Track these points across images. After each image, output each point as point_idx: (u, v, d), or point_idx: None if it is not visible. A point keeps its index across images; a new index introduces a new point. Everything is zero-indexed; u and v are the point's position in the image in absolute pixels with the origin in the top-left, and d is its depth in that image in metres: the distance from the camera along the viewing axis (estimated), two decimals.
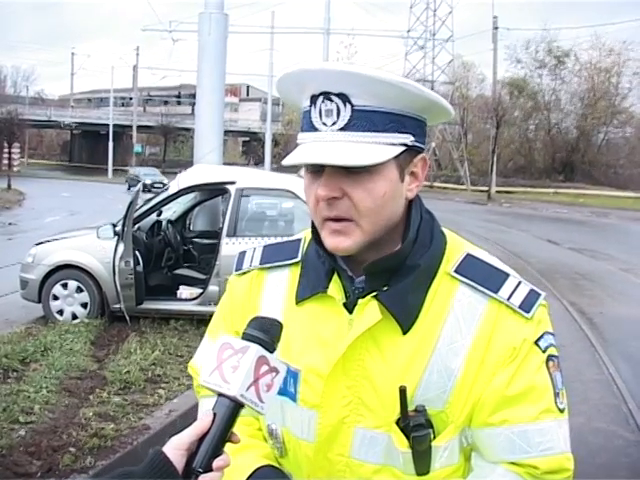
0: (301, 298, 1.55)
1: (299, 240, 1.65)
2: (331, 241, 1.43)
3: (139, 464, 1.22)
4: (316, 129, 1.40)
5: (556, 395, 1.46)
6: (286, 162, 1.41)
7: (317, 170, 1.41)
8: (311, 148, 1.40)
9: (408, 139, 1.41)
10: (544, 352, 1.46)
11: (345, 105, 1.36)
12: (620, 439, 6.23)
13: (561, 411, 1.46)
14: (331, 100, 1.37)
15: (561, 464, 1.44)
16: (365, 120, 1.37)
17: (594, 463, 5.56)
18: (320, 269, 1.53)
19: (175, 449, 1.23)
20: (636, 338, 9.83)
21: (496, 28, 54.33)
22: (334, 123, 1.38)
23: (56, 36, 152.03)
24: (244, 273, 1.68)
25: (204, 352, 1.71)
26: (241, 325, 1.59)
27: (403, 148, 1.40)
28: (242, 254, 1.71)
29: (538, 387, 1.44)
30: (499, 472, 1.44)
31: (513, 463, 1.44)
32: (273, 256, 1.65)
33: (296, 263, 1.61)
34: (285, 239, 1.70)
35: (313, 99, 1.40)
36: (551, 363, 1.47)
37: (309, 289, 1.54)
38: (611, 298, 12.76)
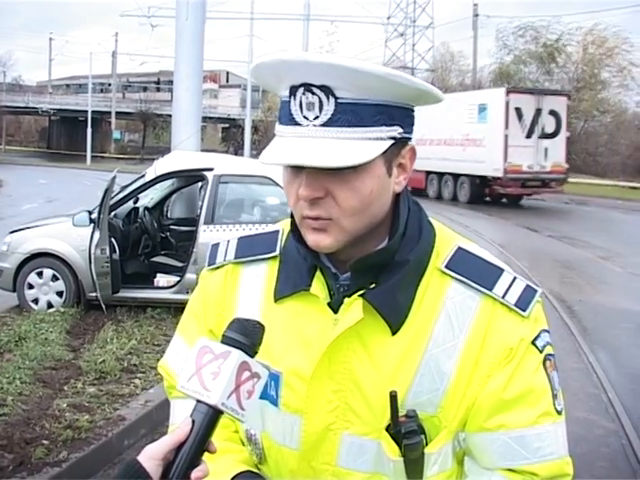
0: (281, 295, 1.45)
1: (277, 232, 1.54)
2: (312, 238, 1.33)
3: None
4: (297, 123, 1.29)
5: (554, 397, 1.39)
6: (265, 160, 1.30)
7: (298, 166, 1.30)
8: (291, 145, 1.29)
9: (396, 131, 1.32)
10: (541, 352, 1.39)
11: (328, 98, 1.27)
12: (600, 428, 6.22)
13: (559, 413, 1.40)
14: (313, 92, 1.27)
15: (561, 469, 1.38)
16: (350, 114, 1.27)
17: (575, 453, 5.39)
18: (301, 265, 1.43)
19: (151, 459, 1.16)
20: (615, 326, 9.86)
21: (476, 15, 54.36)
22: (316, 117, 1.28)
23: (35, 23, 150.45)
24: (217, 267, 1.57)
25: (175, 351, 1.61)
26: (214, 323, 1.51)
27: (391, 142, 1.31)
28: (215, 247, 1.60)
29: (536, 389, 1.37)
30: None
31: (510, 470, 1.36)
32: (249, 249, 1.54)
33: (274, 257, 1.50)
34: (261, 231, 1.59)
35: (292, 90, 1.29)
36: (548, 363, 1.40)
37: (289, 286, 1.44)
38: (590, 286, 12.80)
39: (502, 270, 1.42)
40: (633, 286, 12.95)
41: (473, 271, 1.40)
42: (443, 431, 1.37)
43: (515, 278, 1.41)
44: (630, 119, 54.13)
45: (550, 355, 1.41)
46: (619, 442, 5.95)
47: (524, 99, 27.14)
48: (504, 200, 28.34)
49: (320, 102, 1.27)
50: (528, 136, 26.83)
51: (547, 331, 1.43)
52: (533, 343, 1.38)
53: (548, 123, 27.01)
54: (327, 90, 1.26)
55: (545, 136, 27.00)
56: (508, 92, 27.30)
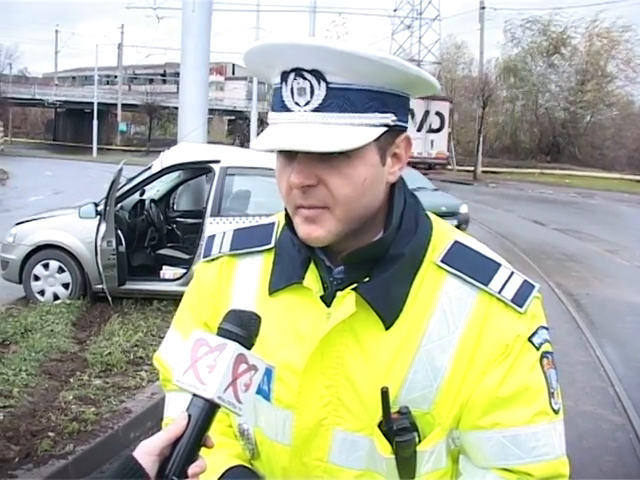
0: (275, 288, 1.43)
1: (272, 224, 1.51)
2: (303, 230, 1.30)
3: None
4: (288, 109, 1.26)
5: (551, 395, 1.35)
6: (256, 146, 1.27)
7: (290, 154, 1.27)
8: (283, 131, 1.26)
9: (390, 119, 1.28)
10: (538, 349, 1.35)
11: (319, 83, 1.23)
12: (607, 422, 6.21)
13: (556, 412, 1.35)
14: (304, 77, 1.23)
15: (556, 470, 1.34)
16: (342, 99, 1.23)
17: (582, 447, 5.54)
18: (295, 257, 1.40)
19: (147, 454, 1.13)
20: (622, 320, 9.83)
21: (483, 8, 54.16)
22: (307, 103, 1.24)
23: (41, 15, 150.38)
24: (213, 259, 1.54)
25: (170, 344, 1.60)
26: (209, 316, 1.48)
27: (384, 129, 1.27)
28: (211, 239, 1.58)
29: (532, 388, 1.33)
30: (489, 479, 1.34)
31: (505, 469, 1.33)
32: (244, 241, 1.52)
33: (269, 249, 1.48)
34: (257, 222, 1.57)
35: (284, 76, 1.26)
36: (545, 361, 1.36)
37: (283, 279, 1.41)
38: (597, 279, 12.75)
39: (499, 265, 1.38)
40: None
41: (469, 266, 1.36)
42: (437, 429, 1.34)
43: (512, 273, 1.37)
44: (637, 112, 54.04)
45: (548, 353, 1.37)
46: (626, 436, 5.94)
47: (416, 102, 33.99)
48: None
49: (311, 87, 1.24)
50: (418, 130, 35.90)
51: (546, 328, 1.39)
52: (530, 340, 1.34)
53: (434, 121, 36.73)
54: (318, 75, 1.23)
55: (431, 131, 36.63)
56: None
